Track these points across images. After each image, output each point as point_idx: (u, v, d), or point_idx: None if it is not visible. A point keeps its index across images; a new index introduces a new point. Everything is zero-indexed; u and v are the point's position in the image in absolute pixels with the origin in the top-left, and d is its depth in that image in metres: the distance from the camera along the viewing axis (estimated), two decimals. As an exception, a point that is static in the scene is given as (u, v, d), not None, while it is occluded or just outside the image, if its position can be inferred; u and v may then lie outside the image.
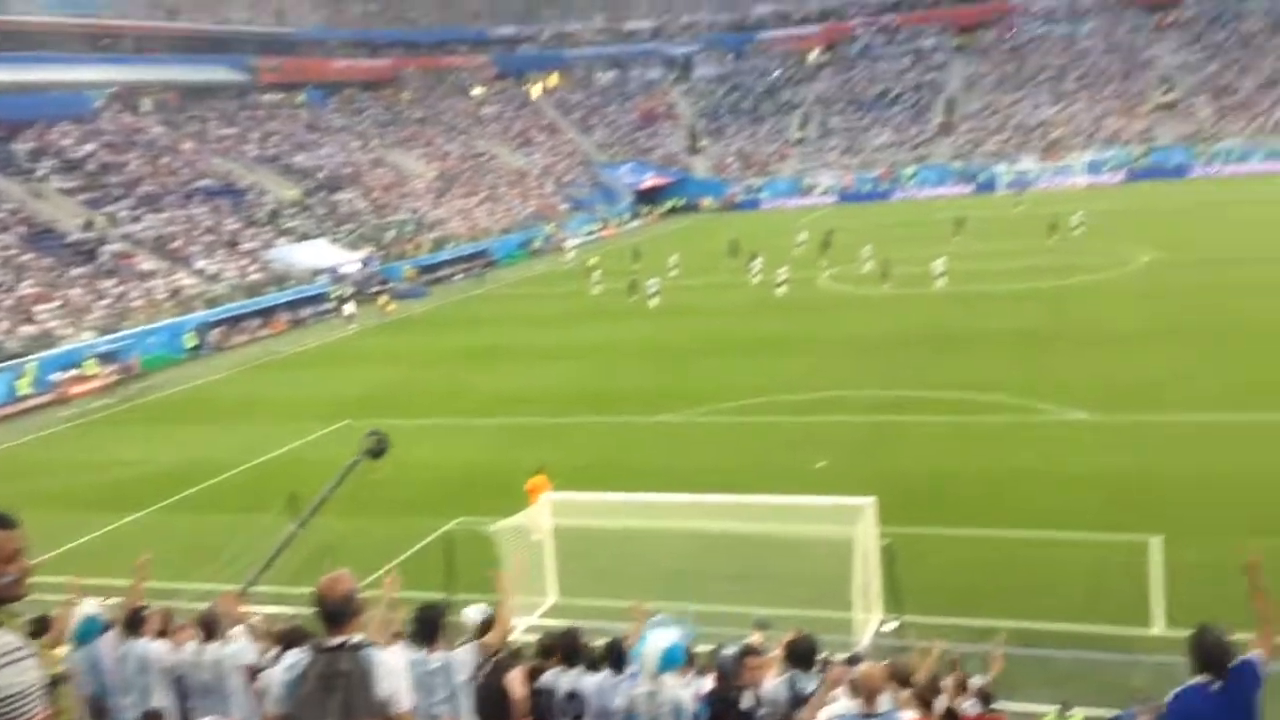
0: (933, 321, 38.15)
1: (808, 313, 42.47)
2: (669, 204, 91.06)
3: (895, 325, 38.08)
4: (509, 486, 23.12)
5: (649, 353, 38.01)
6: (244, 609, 11.46)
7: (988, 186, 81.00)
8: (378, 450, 19.04)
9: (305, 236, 63.13)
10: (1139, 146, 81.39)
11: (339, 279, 57.76)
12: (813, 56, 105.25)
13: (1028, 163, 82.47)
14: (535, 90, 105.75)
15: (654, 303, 46.20)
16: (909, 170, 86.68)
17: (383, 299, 53.77)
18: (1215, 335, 31.84)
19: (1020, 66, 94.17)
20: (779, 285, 46.21)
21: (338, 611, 5.00)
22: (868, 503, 16.50)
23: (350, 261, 60.71)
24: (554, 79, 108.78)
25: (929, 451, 24.43)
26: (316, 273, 57.77)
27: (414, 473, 26.42)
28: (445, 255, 66.41)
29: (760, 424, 27.86)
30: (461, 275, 64.40)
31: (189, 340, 47.72)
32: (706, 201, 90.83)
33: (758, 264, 51.02)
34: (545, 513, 18.54)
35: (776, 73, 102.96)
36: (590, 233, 79.37)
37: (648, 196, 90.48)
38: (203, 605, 11.30)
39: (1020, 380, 29.04)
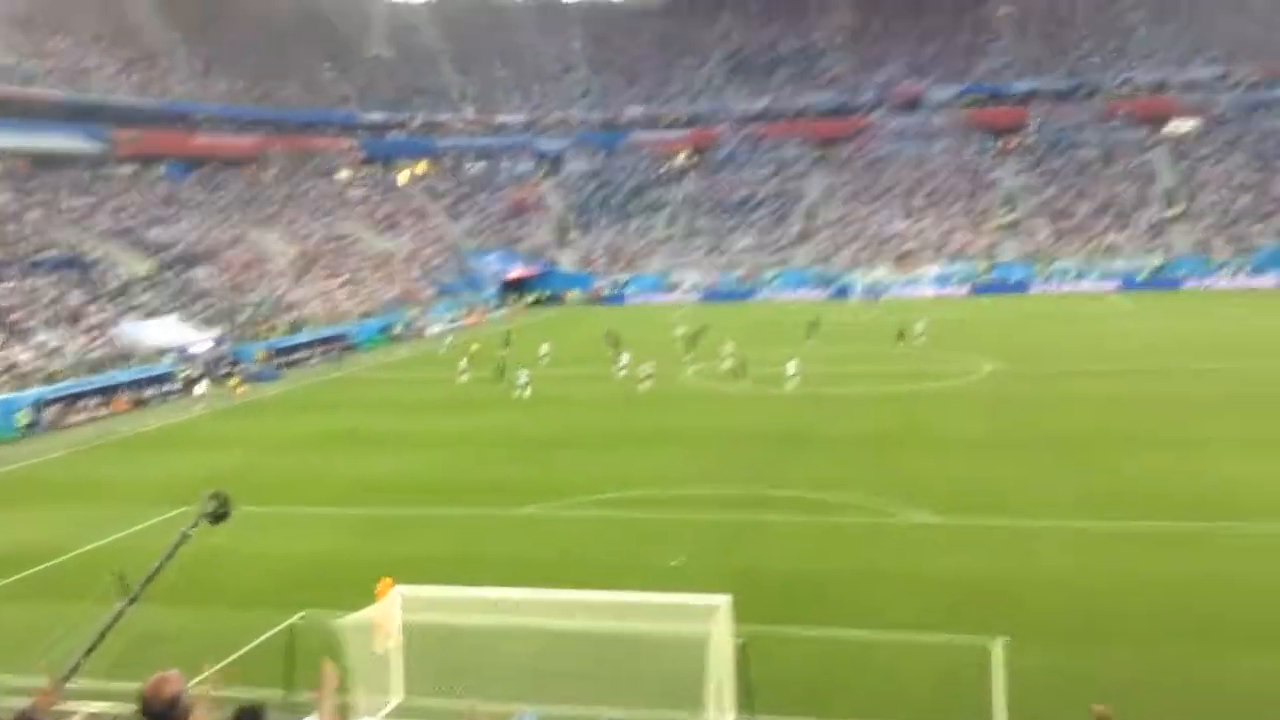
0: (789, 421, 38.88)
1: (671, 408, 42.78)
2: (535, 294, 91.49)
3: (754, 423, 38.69)
4: (360, 579, 22.37)
5: (511, 443, 37.64)
6: (61, 706, 10.67)
7: (844, 292, 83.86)
8: (218, 513, 18.08)
9: (155, 313, 61.00)
10: (983, 261, 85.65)
11: (188, 358, 55.85)
12: (681, 159, 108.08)
13: (881, 272, 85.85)
14: (404, 176, 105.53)
15: (525, 394, 45.83)
16: (770, 273, 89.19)
17: (233, 381, 52.12)
18: (1051, 444, 33.27)
19: (875, 180, 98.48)
20: (644, 380, 46.56)
21: (163, 715, 4.69)
22: (723, 601, 16.49)
23: (201, 341, 58.84)
24: (423, 166, 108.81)
25: (784, 550, 24.69)
26: (164, 351, 55.72)
27: (258, 563, 25.44)
28: (302, 338, 64.94)
29: (619, 518, 27.75)
30: (318, 359, 63.00)
31: (22, 418, 45.21)
32: (573, 294, 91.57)
33: (625, 358, 51.53)
34: (395, 607, 17.95)
35: (649, 172, 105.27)
36: (454, 319, 78.88)
37: (514, 286, 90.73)
38: (22, 702, 10.49)
39: (872, 481, 29.73)
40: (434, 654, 17.30)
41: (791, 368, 45.73)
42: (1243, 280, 78.48)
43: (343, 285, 76.75)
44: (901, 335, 56.93)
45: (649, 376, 46.67)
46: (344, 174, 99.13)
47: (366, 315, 72.90)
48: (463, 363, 52.85)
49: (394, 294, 78.65)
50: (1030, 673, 17.74)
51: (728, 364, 49.92)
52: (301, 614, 20.91)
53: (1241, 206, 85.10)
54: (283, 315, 67.45)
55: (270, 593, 23.22)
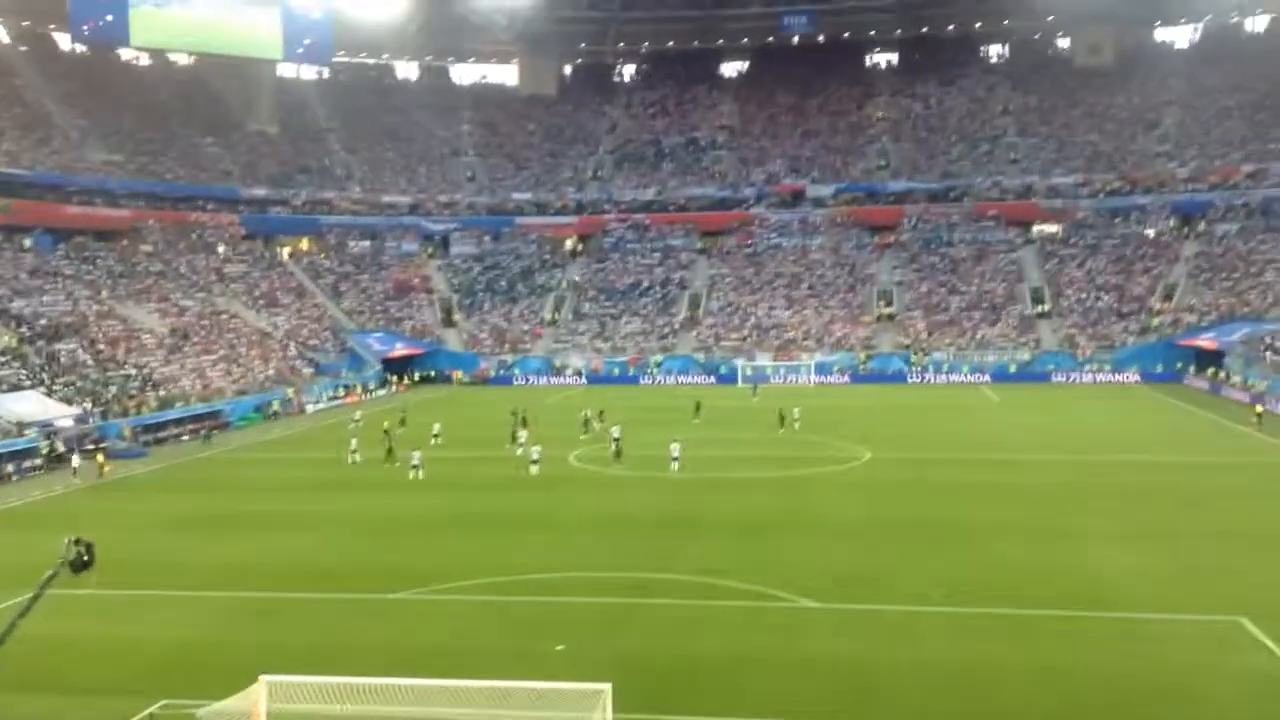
0: (673, 505, 38.90)
1: (556, 491, 42.40)
2: (419, 374, 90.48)
3: (638, 507, 38.57)
4: (224, 667, 21.50)
5: (388, 526, 36.75)
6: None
7: (729, 379, 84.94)
8: (81, 562, 17.11)
9: (17, 387, 58.31)
10: (862, 352, 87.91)
11: (51, 433, 53.39)
12: (568, 245, 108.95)
13: (763, 359, 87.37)
14: (285, 253, 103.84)
15: (419, 475, 44.78)
16: (656, 358, 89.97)
17: (99, 458, 49.94)
18: (927, 530, 33.96)
19: (758, 271, 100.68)
20: (534, 463, 46.19)
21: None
22: (604, 689, 16.25)
23: (64, 416, 56.37)
24: (305, 243, 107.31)
25: (665, 635, 24.51)
26: (25, 426, 53.18)
27: (117, 648, 24.27)
28: (172, 414, 62.72)
29: (498, 604, 27.20)
30: (188, 436, 60.85)
31: None
32: (458, 374, 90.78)
33: (524, 435, 51.67)
34: (260, 697, 17.18)
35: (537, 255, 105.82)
36: (333, 398, 77.31)
37: (397, 365, 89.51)
38: None
39: (753, 566, 29.82)
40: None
41: (675, 449, 45.99)
42: (1106, 376, 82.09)
43: (217, 363, 74.63)
44: (782, 420, 58.18)
45: (537, 461, 46.38)
46: (223, 249, 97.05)
47: (241, 393, 70.90)
48: (353, 442, 51.46)
49: (270, 372, 76.77)
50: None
51: (612, 447, 49.81)
52: (161, 703, 19.91)
53: (1103, 305, 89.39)
54: (152, 391, 65.13)
55: (128, 680, 22.05)
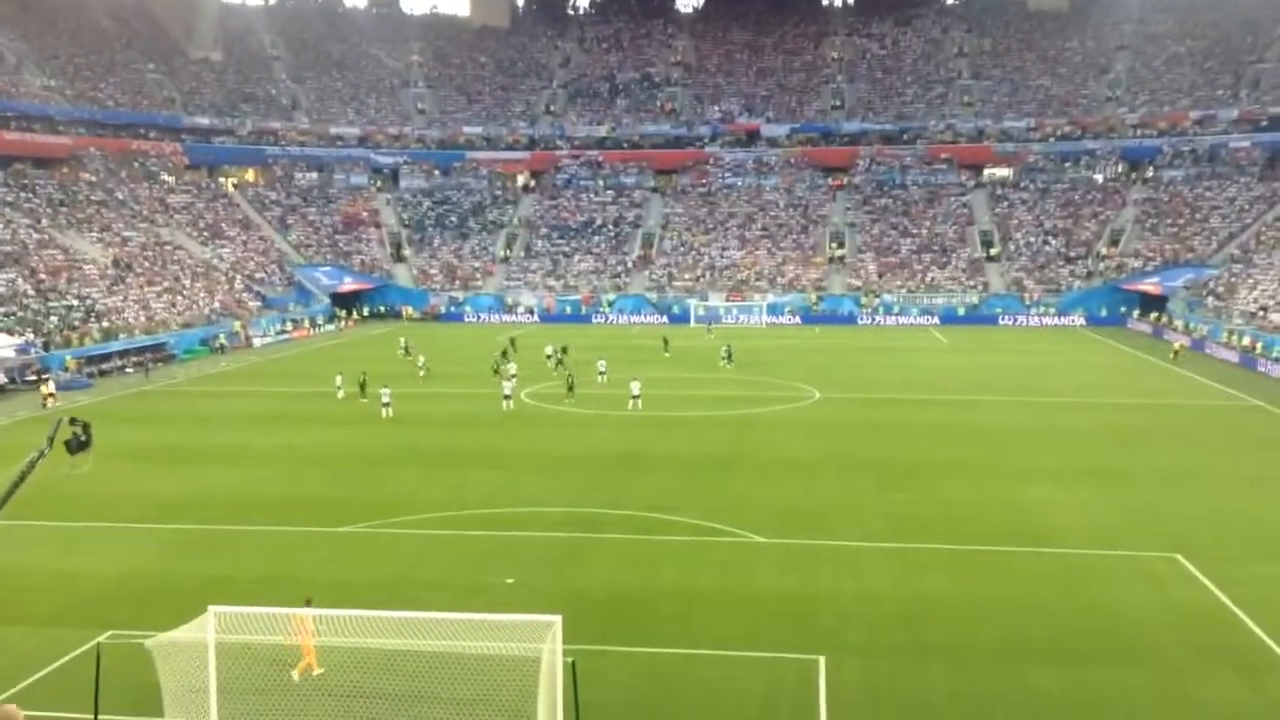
0: (627, 442, 39.05)
1: (511, 428, 42.41)
2: (368, 310, 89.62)
3: (593, 444, 38.69)
4: (173, 598, 21.41)
5: (340, 460, 36.56)
6: None
7: (681, 318, 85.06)
8: (77, 442, 16.79)
9: (-48, 315, 57.06)
10: (814, 293, 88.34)
11: (-10, 364, 52.39)
12: (520, 180, 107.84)
13: (716, 300, 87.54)
14: (230, 184, 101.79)
15: (389, 413, 44.32)
16: (609, 297, 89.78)
17: (44, 389, 49.04)
18: (873, 468, 34.47)
19: (712, 211, 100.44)
20: (505, 398, 46.30)
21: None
22: (553, 620, 16.35)
23: (5, 346, 55.24)
24: (251, 174, 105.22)
25: (615, 569, 24.72)
26: (-37, 356, 52.12)
27: (64, 580, 24.13)
28: (116, 346, 61.69)
29: (450, 538, 27.26)
30: (132, 369, 59.91)
31: None
32: (408, 310, 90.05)
33: (512, 368, 52.48)
34: (209, 627, 17.10)
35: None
36: (281, 332, 76.42)
37: (346, 300, 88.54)
38: None
39: (703, 502, 30.13)
40: (252, 676, 16.57)
41: (635, 388, 46.28)
42: (1052, 319, 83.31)
43: (161, 295, 73.33)
44: (729, 357, 59.41)
45: (508, 396, 46.49)
46: (166, 179, 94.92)
47: (187, 326, 69.82)
48: (338, 379, 50.91)
49: (216, 305, 75.61)
50: (850, 688, 18.37)
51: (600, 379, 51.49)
52: (108, 634, 19.80)
53: (1051, 250, 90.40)
54: (95, 323, 63.93)
55: (74, 612, 21.95)
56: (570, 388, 49.07)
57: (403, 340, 66.26)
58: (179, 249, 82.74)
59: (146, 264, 77.14)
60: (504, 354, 58.67)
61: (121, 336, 63.46)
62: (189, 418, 45.61)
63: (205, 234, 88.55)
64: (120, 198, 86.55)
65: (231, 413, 46.55)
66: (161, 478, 33.99)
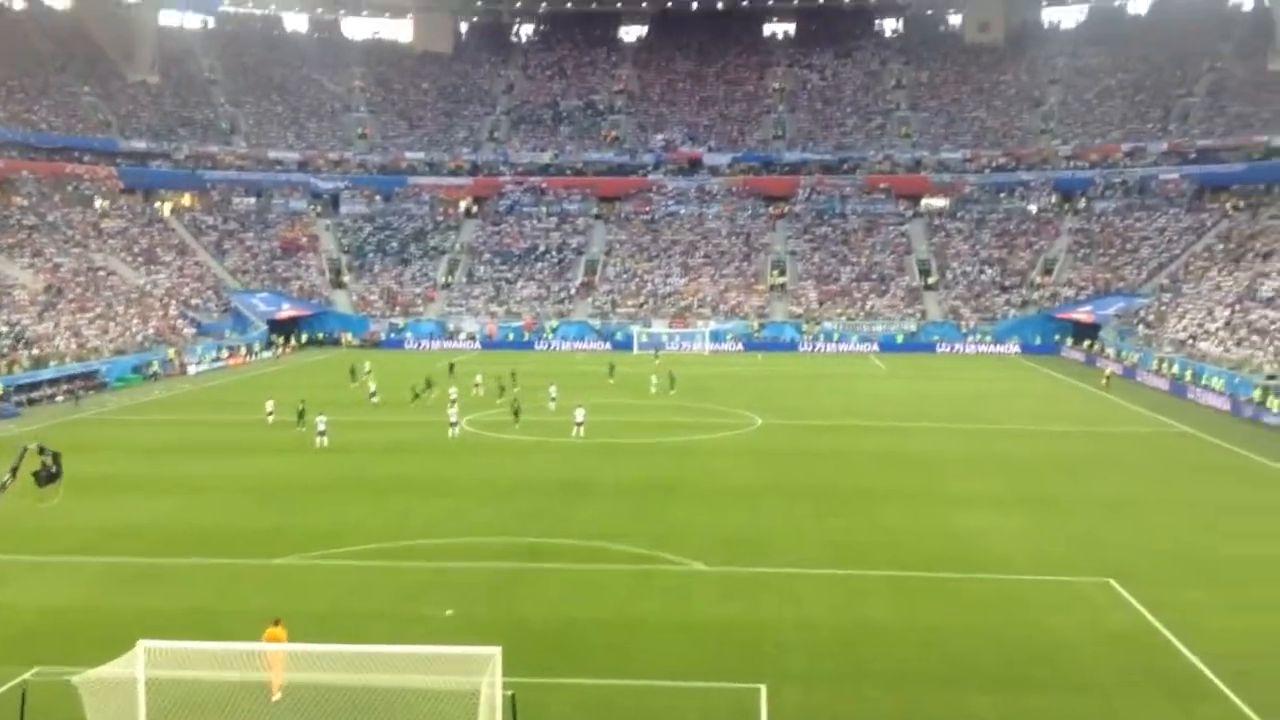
0: (569, 470, 38.91)
1: (452, 455, 42.06)
2: (306, 336, 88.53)
3: (535, 472, 38.50)
4: (103, 632, 20.87)
5: (273, 490, 35.96)
6: None
7: (625, 345, 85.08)
8: (47, 474, 16.21)
9: (-127, 341, 55.39)
10: (756, 320, 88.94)
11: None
12: (463, 206, 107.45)
13: (659, 326, 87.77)
14: (166, 208, 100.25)
15: (323, 442, 43.58)
16: (551, 323, 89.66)
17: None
18: (814, 495, 34.67)
19: (655, 238, 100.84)
20: (452, 425, 46.00)
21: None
22: (493, 652, 16.18)
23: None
24: (188, 199, 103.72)
25: (556, 599, 24.54)
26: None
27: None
28: (46, 374, 60.25)
29: (388, 569, 26.90)
30: (63, 397, 58.56)
31: None
32: (347, 337, 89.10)
33: (454, 392, 52.23)
34: (139, 663, 16.69)
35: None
36: (216, 359, 75.20)
37: (283, 327, 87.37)
38: None
39: (645, 530, 30.07)
40: (183, 713, 16.19)
41: (579, 415, 46.19)
42: (988, 347, 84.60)
43: (94, 321, 71.84)
44: (672, 383, 59.83)
45: (456, 424, 46.21)
46: (100, 203, 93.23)
47: (120, 353, 68.45)
48: (270, 404, 50.10)
49: (149, 331, 74.21)
50: (791, 715, 18.38)
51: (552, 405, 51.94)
52: (34, 670, 19.25)
53: (987, 279, 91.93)
54: (24, 350, 62.40)
55: (0, 647, 21.25)
56: (516, 413, 48.84)
57: (367, 365, 65.57)
58: (112, 274, 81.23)
59: (79, 289, 75.57)
60: (428, 382, 57.60)
61: (52, 364, 62.01)
62: (120, 447, 44.62)
63: (140, 259, 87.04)
64: (52, 222, 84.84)
65: (164, 441, 45.63)
66: (91, 509, 33.13)
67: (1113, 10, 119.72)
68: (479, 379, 59.76)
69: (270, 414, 49.23)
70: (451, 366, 66.27)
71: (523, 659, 18.80)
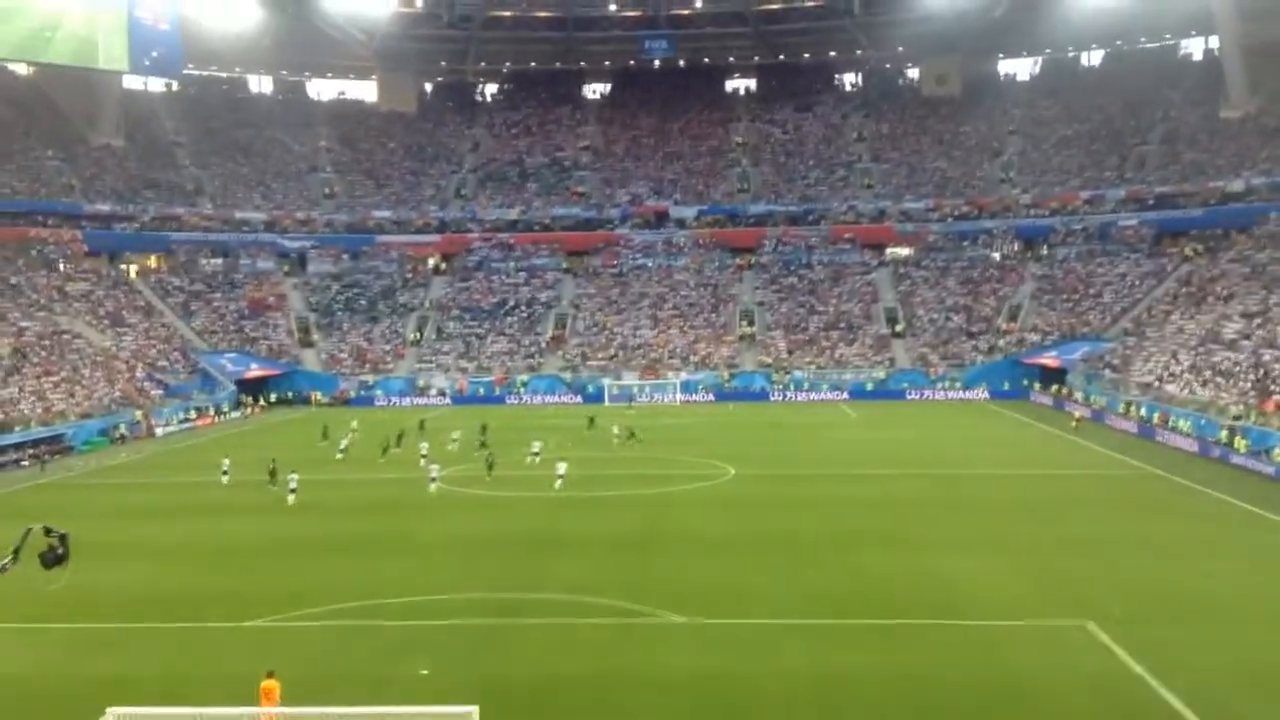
0: (544, 523, 38.68)
1: (425, 512, 41.66)
2: (275, 395, 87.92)
3: (510, 526, 38.24)
4: (69, 701, 20.44)
5: (243, 551, 35.48)
6: None
7: (596, 398, 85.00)
8: (53, 556, 15.78)
9: None
10: (726, 370, 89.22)
11: None
12: (431, 263, 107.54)
13: (630, 378, 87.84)
14: (132, 270, 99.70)
15: (291, 499, 43.50)
16: (522, 378, 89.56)
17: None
18: (790, 544, 34.60)
19: (624, 291, 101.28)
20: (432, 480, 45.96)
21: None
22: (470, 711, 16.01)
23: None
24: (154, 261, 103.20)
25: (533, 655, 24.30)
26: None
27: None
28: (10, 439, 59.42)
29: (362, 628, 26.54)
30: (28, 461, 57.73)
31: None
32: (316, 395, 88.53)
33: (424, 447, 53.72)
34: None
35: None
36: (185, 420, 74.47)
37: (252, 387, 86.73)
38: None
39: (623, 583, 29.87)
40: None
41: (561, 469, 46.39)
42: (957, 393, 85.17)
43: (59, 385, 71.05)
44: (631, 434, 60.14)
45: (435, 479, 46.10)
46: (65, 267, 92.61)
47: (86, 416, 67.67)
48: (225, 462, 49.75)
49: (116, 394, 73.44)
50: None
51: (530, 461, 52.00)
52: (-5, 743, 18.81)
53: (953, 325, 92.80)
54: (-14, 415, 61.60)
55: (-42, 721, 20.73)
56: (490, 466, 48.79)
57: (354, 423, 65.35)
58: (78, 337, 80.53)
59: (44, 353, 74.79)
60: (399, 437, 57.99)
61: (17, 428, 61.19)
62: (85, 511, 43.91)
63: (105, 322, 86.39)
64: (17, 285, 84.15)
65: (131, 505, 45.02)
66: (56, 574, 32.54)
67: (1066, 61, 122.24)
68: (455, 435, 59.82)
69: (225, 473, 48.86)
70: (422, 423, 66.04)
71: (500, 717, 18.57)
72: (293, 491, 43.66)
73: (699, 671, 23.03)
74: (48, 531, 15.74)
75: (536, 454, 52.85)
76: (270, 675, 20.00)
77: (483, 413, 73.64)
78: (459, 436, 59.62)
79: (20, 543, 15.42)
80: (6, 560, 15.49)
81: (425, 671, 23.06)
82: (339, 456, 55.38)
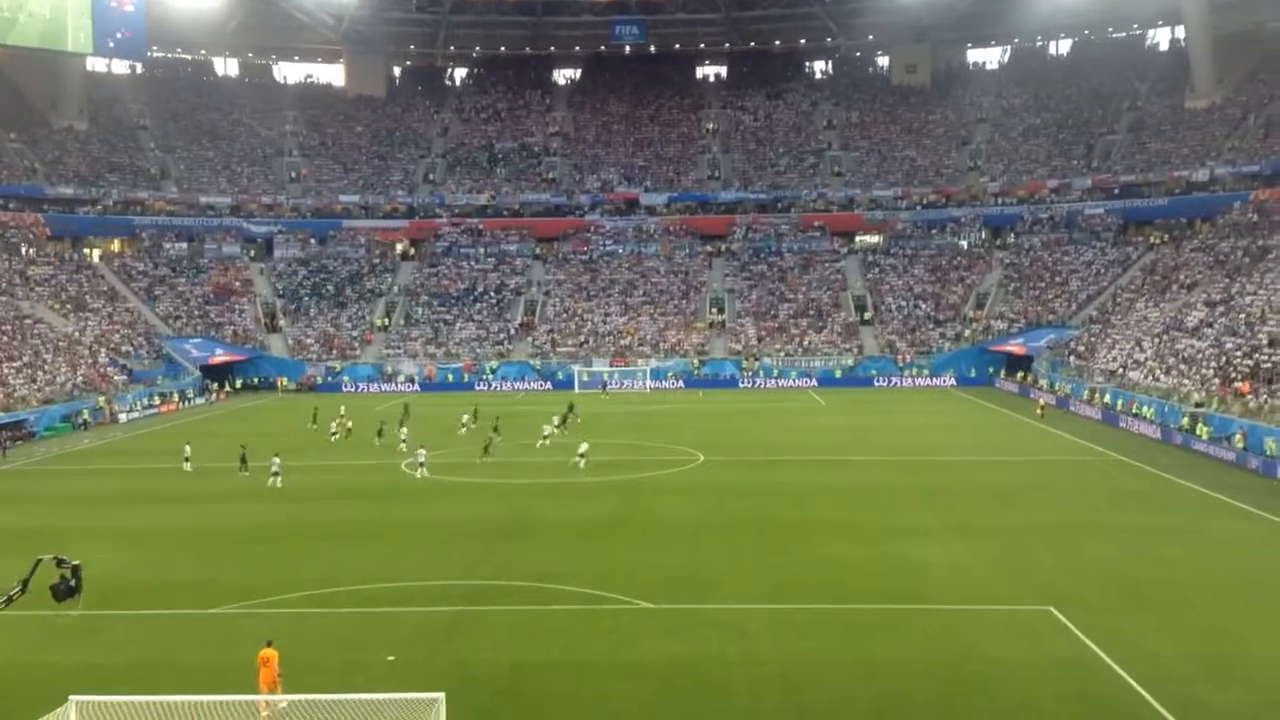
0: (512, 510, 38.61)
1: (394, 499, 41.48)
2: (240, 381, 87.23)
3: (476, 514, 38.13)
4: (33, 689, 20.23)
5: (208, 539, 35.19)
6: None
7: (566, 384, 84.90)
8: (65, 588, 15.55)
9: None
10: (696, 357, 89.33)
11: None
12: (399, 248, 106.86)
13: (600, 365, 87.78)
14: (95, 255, 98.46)
15: (277, 483, 43.56)
16: (492, 364, 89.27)
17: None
18: (758, 530, 34.75)
19: (594, 278, 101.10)
20: (420, 466, 46.00)
21: None
22: (436, 698, 15.97)
23: None
24: (117, 245, 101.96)
25: (499, 642, 24.27)
26: None
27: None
28: (-30, 425, 58.71)
29: (328, 616, 26.42)
30: (-11, 448, 57.02)
31: None
32: (283, 381, 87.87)
33: (405, 432, 54.11)
34: (71, 718, 16.21)
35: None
36: (149, 406, 73.74)
37: (217, 372, 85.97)
38: None
39: (591, 570, 29.89)
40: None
41: (583, 448, 47.73)
42: (924, 380, 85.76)
43: (21, 369, 70.14)
44: (566, 419, 60.62)
45: (423, 464, 46.08)
46: (27, 250, 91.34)
47: (48, 401, 66.86)
48: (187, 448, 49.53)
49: (79, 380, 72.60)
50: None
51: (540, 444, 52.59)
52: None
53: (921, 313, 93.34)
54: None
55: (-83, 711, 20.43)
56: (486, 449, 49.79)
57: (342, 408, 64.37)
58: (40, 322, 79.51)
59: (5, 338, 73.80)
60: (405, 411, 59.62)
61: (-24, 414, 60.43)
62: (48, 498, 43.47)
63: (68, 306, 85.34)
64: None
65: (94, 492, 44.54)
66: (17, 562, 32.15)
67: (1034, 51, 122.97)
68: (465, 418, 59.86)
69: (187, 460, 48.53)
70: (406, 407, 65.46)
71: (467, 704, 18.57)
72: (275, 474, 43.76)
73: (666, 657, 23.09)
74: (59, 563, 15.52)
75: (546, 437, 53.75)
76: (270, 644, 20.66)
77: (451, 400, 73.39)
78: (468, 420, 59.81)
79: (30, 573, 15.21)
80: (14, 590, 15.26)
81: (392, 658, 22.99)
82: (332, 439, 56.05)
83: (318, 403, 70.85)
